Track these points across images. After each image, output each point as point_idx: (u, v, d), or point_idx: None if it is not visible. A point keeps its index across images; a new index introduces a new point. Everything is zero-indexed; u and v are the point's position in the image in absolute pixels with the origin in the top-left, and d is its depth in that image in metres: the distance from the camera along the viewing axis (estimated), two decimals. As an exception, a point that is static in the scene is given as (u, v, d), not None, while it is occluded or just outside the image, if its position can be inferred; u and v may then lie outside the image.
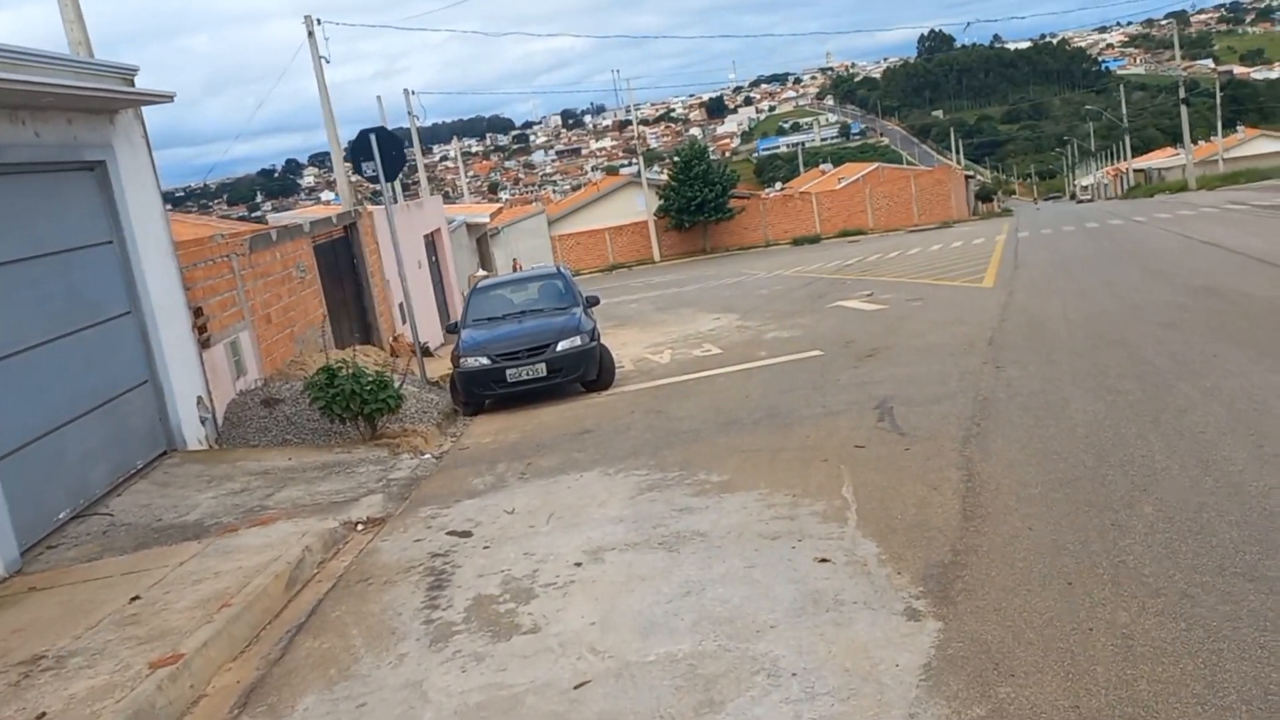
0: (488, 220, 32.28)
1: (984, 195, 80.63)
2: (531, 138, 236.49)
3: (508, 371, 11.72)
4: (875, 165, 67.85)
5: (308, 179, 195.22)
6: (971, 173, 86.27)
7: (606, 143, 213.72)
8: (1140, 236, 23.38)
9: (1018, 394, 8.15)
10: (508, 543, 6.23)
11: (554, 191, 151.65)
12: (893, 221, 51.81)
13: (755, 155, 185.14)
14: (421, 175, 34.72)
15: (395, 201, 16.75)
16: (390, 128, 18.40)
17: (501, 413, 11.62)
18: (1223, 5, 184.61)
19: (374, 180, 13.21)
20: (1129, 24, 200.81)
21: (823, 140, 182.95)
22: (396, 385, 10.30)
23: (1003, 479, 5.98)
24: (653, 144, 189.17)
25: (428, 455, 9.57)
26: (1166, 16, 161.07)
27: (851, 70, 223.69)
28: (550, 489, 7.47)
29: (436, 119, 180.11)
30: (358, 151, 13.18)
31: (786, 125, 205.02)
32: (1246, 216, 25.19)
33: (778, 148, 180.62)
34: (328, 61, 21.03)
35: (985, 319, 13.03)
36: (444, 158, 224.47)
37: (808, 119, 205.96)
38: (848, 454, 7.12)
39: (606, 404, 11.28)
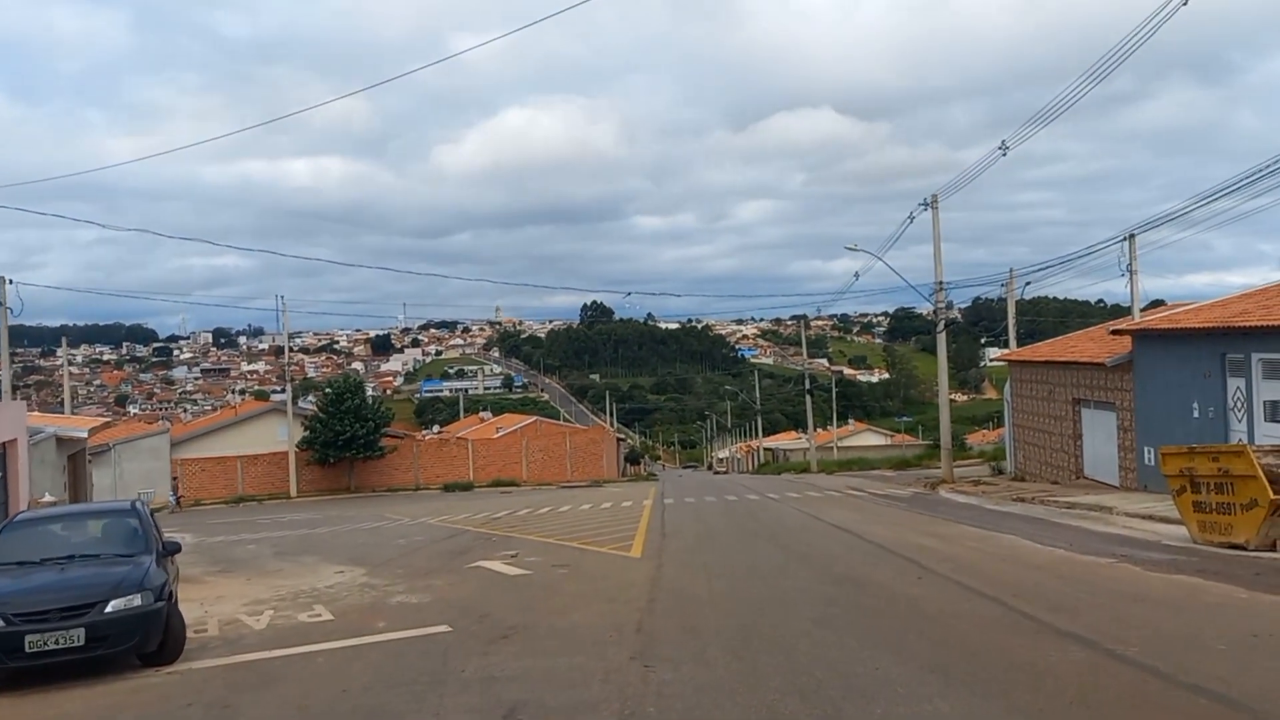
0: (85, 435, 27.76)
1: (633, 458, 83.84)
2: (176, 352, 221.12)
3: (28, 638, 8.77)
4: (534, 418, 68.70)
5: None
6: (623, 435, 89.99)
7: (260, 366, 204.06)
8: (777, 515, 24.06)
9: (670, 710, 6.80)
10: None
11: (186, 412, 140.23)
12: (546, 475, 51.69)
13: (418, 396, 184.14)
14: (4, 375, 29.65)
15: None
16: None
17: (3, 697, 8.57)
18: (834, 316, 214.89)
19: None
20: (761, 320, 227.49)
21: (486, 389, 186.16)
22: None
23: None
24: (311, 373, 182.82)
25: None
26: (792, 318, 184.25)
27: (519, 327, 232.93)
28: None
29: (67, 320, 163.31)
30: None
31: (452, 370, 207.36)
32: (866, 503, 26.94)
33: (441, 391, 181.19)
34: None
35: (634, 597, 11.92)
36: (71, 362, 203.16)
37: (473, 367, 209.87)
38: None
39: (160, 690, 8.66)
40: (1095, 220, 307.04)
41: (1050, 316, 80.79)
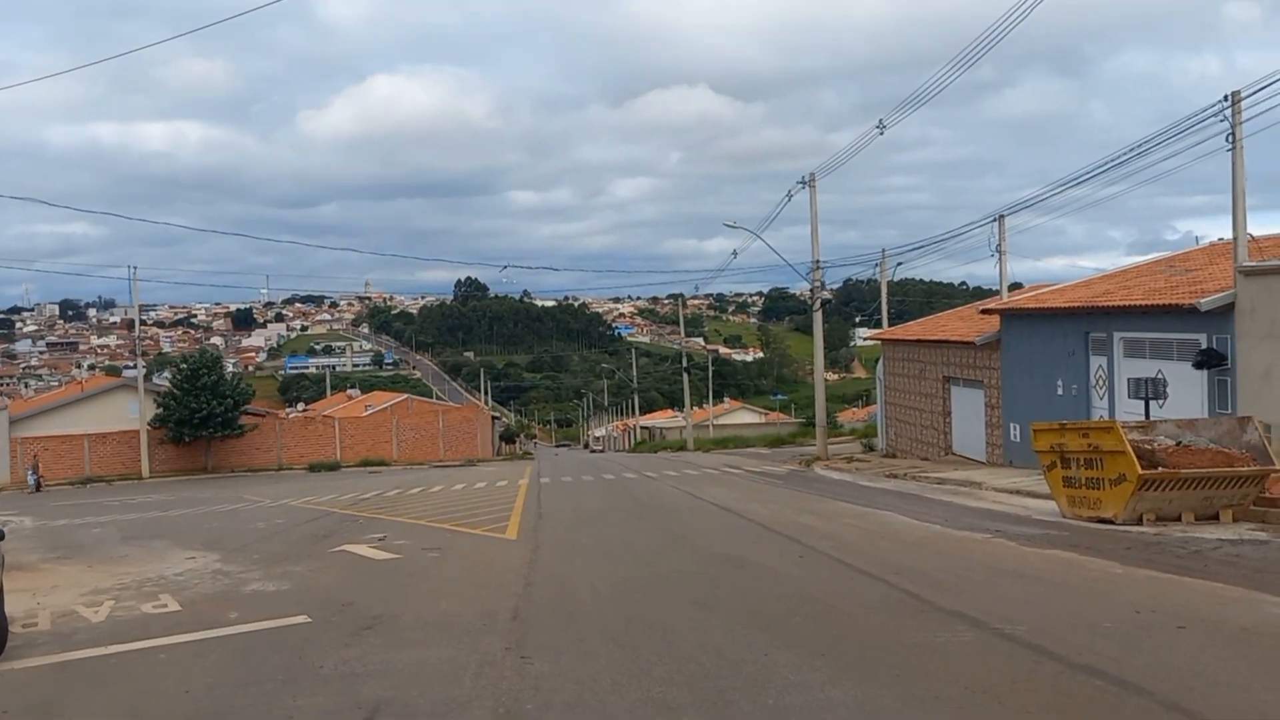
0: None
1: (508, 436, 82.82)
2: (19, 324, 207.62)
3: None
4: (405, 396, 66.94)
5: None
6: (498, 414, 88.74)
7: (111, 340, 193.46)
8: (654, 493, 23.79)
9: (549, 706, 6.27)
10: None
11: (29, 388, 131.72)
12: (418, 455, 50.35)
13: (282, 373, 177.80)
14: None
15: None
16: None
17: None
18: (711, 295, 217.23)
19: None
20: (638, 299, 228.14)
21: (355, 366, 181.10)
22: None
23: None
24: (167, 348, 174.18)
25: None
26: (669, 297, 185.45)
27: (389, 302, 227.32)
28: None
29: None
30: None
31: (319, 346, 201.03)
32: (744, 481, 26.96)
33: (307, 368, 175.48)
34: None
35: (509, 582, 11.32)
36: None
37: (342, 343, 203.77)
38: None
39: (-34, 698, 7.63)
40: (960, 205, 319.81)
41: (917, 297, 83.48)
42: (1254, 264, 16.93)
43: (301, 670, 7.68)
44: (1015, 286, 39.95)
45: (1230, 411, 16.67)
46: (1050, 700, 5.75)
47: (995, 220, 28.46)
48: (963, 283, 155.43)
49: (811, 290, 33.92)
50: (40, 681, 8.00)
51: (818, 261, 33.18)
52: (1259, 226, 20.71)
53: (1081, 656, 6.68)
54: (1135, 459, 13.05)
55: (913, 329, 34.71)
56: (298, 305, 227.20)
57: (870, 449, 36.82)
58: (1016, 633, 7.48)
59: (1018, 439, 24.19)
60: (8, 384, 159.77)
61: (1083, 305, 22.08)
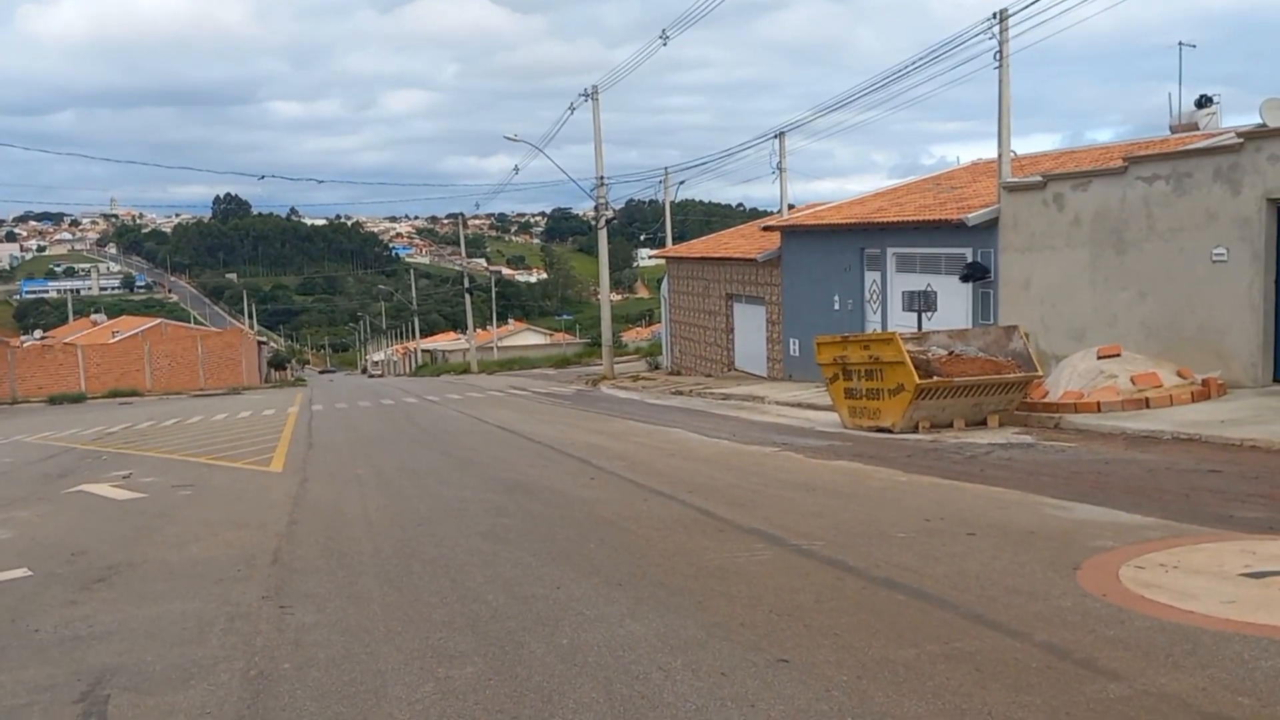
0: None
1: (277, 362, 78.46)
2: None
3: None
4: (158, 321, 61.73)
5: None
6: (265, 339, 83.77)
7: None
8: (437, 418, 22.80)
9: (311, 662, 5.42)
10: None
11: None
12: (175, 384, 46.62)
13: (17, 298, 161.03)
14: None
15: None
16: None
17: None
18: (492, 215, 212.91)
19: None
20: (416, 218, 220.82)
21: (103, 290, 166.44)
22: None
23: None
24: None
25: None
26: (448, 216, 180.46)
27: (139, 220, 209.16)
28: None
29: None
30: None
31: (59, 269, 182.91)
32: (531, 402, 26.37)
33: (47, 292, 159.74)
34: None
35: (271, 518, 10.22)
36: None
37: (86, 265, 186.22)
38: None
39: None
40: (738, 127, 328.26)
41: (697, 217, 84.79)
42: (1016, 180, 17.69)
43: (13, 637, 6.45)
44: (790, 208, 40.99)
45: (992, 322, 17.52)
46: (857, 620, 5.48)
47: (776, 137, 28.74)
48: (739, 204, 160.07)
49: (596, 208, 33.34)
50: None
51: (601, 178, 32.58)
52: (1018, 146, 21.81)
53: (881, 569, 6.51)
54: (913, 369, 13.36)
55: (696, 247, 34.92)
56: (32, 224, 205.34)
57: (656, 367, 37.11)
58: (815, 548, 7.26)
59: (797, 353, 24.80)
60: None
61: (859, 222, 22.65)
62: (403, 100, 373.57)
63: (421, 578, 7.23)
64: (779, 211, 31.22)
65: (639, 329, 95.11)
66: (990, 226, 18.03)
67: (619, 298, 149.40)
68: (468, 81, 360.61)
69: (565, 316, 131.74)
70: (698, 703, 4.43)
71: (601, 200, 32.88)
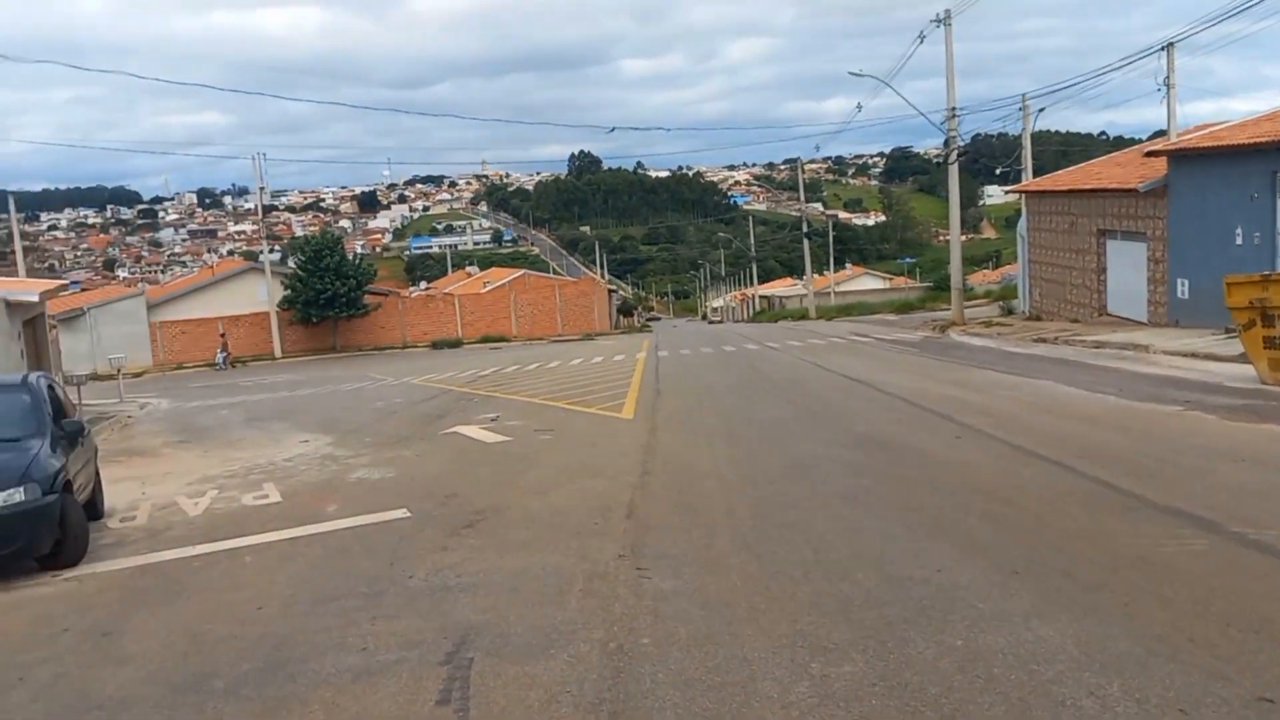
0: (38, 299, 25.62)
1: (625, 309, 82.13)
2: (161, 214, 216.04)
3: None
4: (522, 272, 66.48)
5: None
6: (615, 287, 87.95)
7: (247, 226, 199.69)
8: (779, 365, 22.32)
9: (671, 639, 5.02)
10: None
11: (172, 275, 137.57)
12: (536, 330, 49.92)
13: (407, 253, 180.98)
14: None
15: None
16: None
17: None
18: (829, 158, 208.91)
19: None
20: (753, 165, 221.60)
21: (475, 244, 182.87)
22: None
23: None
24: (299, 232, 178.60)
25: None
26: (785, 162, 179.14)
27: (505, 180, 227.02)
28: None
29: (49, 184, 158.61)
30: None
31: (440, 226, 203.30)
32: (875, 349, 25.17)
33: (430, 247, 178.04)
34: None
35: (625, 469, 10.16)
36: (52, 227, 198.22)
37: (462, 222, 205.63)
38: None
39: (40, 607, 7.02)
40: (1098, 48, 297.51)
41: (1053, 148, 77.58)
42: None
43: (390, 582, 6.70)
44: (1159, 134, 35.97)
45: None
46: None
47: (1163, 49, 25.01)
48: (1101, 133, 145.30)
49: (946, 141, 31.06)
50: (113, 592, 7.30)
51: (953, 109, 30.21)
52: None
53: (1372, 576, 5.05)
54: (1367, 315, 10.87)
55: (1061, 179, 31.54)
56: (419, 186, 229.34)
57: (1009, 312, 34.28)
58: (1266, 539, 5.84)
59: (1185, 295, 21.64)
60: (154, 271, 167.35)
61: (1268, 140, 19.12)
62: (741, 48, 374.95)
63: (779, 545, 6.67)
64: (1163, 135, 27.29)
65: (985, 271, 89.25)
66: None
67: (964, 238, 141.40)
68: (805, 22, 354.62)
69: (906, 260, 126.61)
70: (1148, 748, 3.48)
71: (953, 133, 30.54)
